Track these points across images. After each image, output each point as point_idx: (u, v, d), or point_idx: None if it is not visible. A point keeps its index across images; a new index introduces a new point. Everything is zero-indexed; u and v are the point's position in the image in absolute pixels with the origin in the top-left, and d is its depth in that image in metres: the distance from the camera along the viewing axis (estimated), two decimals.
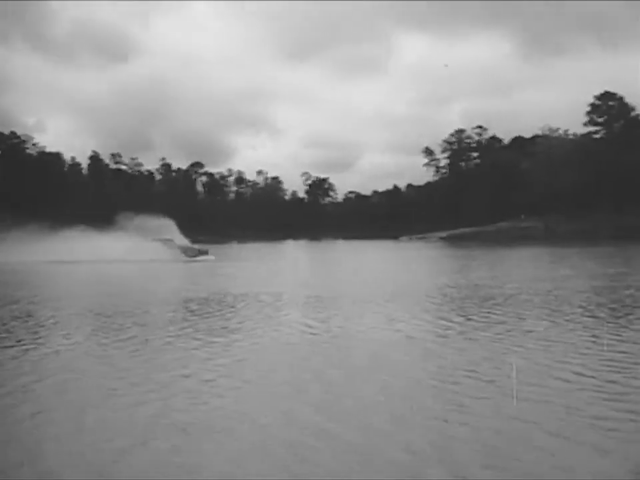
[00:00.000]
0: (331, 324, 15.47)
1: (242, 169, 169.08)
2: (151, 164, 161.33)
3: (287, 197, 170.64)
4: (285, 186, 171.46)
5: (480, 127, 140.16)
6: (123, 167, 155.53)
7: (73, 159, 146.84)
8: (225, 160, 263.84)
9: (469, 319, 15.74)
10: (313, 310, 18.34)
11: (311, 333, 14.16)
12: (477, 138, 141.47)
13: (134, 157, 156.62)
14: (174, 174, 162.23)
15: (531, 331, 13.85)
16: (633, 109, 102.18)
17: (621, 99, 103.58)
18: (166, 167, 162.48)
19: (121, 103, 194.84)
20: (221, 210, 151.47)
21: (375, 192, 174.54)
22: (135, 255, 48.89)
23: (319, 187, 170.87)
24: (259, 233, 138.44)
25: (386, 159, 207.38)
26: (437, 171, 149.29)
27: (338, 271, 40.10)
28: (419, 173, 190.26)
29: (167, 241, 53.99)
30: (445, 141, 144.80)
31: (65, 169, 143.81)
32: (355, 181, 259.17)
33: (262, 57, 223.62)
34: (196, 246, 57.60)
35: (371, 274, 35.01)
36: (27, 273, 38.53)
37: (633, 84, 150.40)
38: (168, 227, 57.73)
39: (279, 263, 51.34)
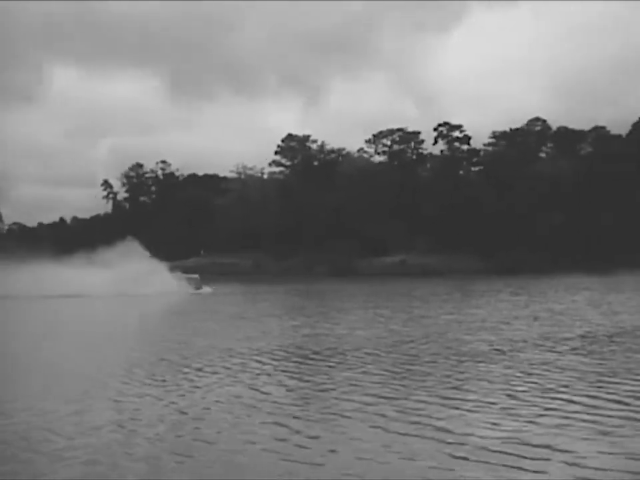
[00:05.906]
0: None
1: None
2: None
3: None
4: None
5: (164, 161, 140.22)
6: None
7: None
8: None
9: None
10: None
11: None
12: (159, 172, 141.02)
13: None
14: None
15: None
16: (329, 153, 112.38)
17: (306, 141, 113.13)
18: None
19: None
20: None
21: (41, 224, 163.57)
22: (134, 288, 43.71)
23: None
24: None
25: (43, 191, 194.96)
26: (114, 204, 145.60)
27: None
28: (83, 205, 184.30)
29: (170, 271, 49.10)
30: (124, 175, 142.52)
31: None
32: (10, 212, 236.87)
33: None
34: (197, 276, 52.45)
35: None
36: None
37: (269, 130, 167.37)
38: (135, 250, 51.34)
39: None
